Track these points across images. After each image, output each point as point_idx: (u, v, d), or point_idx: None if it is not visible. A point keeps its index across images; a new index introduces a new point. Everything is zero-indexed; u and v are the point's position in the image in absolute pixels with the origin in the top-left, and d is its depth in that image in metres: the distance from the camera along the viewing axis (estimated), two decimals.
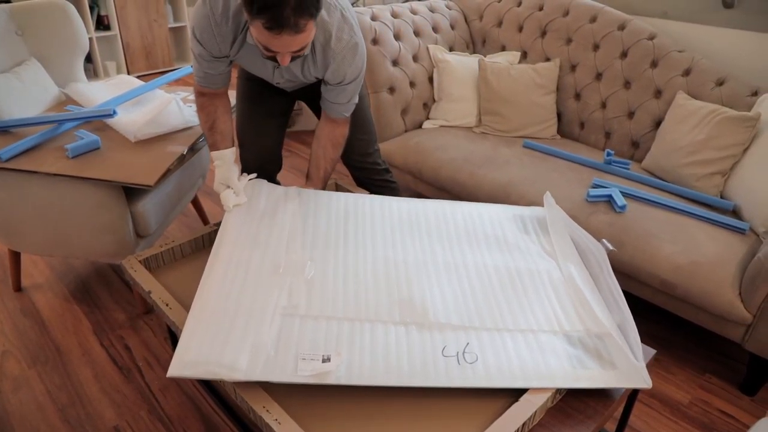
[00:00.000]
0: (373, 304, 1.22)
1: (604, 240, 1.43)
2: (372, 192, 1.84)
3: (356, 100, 1.57)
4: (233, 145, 1.57)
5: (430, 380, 1.06)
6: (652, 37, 2.20)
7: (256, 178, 1.60)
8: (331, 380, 1.03)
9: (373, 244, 1.41)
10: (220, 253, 1.30)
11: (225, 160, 1.52)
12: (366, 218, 1.51)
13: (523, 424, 1.01)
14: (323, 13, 1.34)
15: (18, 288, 2.06)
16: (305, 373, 1.04)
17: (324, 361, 1.07)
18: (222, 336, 1.09)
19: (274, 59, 1.28)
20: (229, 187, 1.49)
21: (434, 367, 1.08)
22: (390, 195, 1.84)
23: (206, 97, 1.54)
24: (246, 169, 1.82)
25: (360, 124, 1.75)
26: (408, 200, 1.62)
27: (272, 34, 1.16)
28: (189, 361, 1.03)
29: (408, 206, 1.59)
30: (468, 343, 1.15)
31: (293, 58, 1.29)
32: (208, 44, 1.39)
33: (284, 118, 1.81)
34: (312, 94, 1.72)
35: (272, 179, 1.88)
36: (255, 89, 1.70)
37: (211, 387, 1.63)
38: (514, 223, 1.57)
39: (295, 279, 1.26)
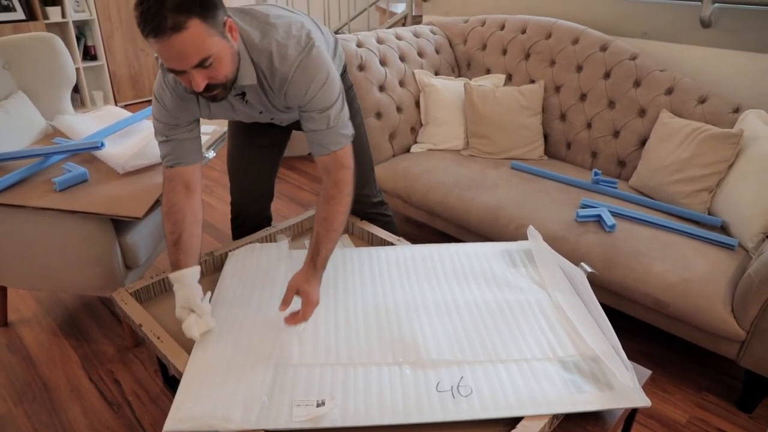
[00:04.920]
0: (365, 348, 1.24)
1: (582, 263, 1.44)
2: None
3: (343, 126, 1.35)
4: (198, 263, 1.37)
5: (425, 416, 1.06)
6: (634, 57, 2.24)
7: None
8: (326, 423, 1.05)
9: (362, 292, 1.43)
10: (214, 313, 1.33)
11: (185, 283, 1.30)
12: (355, 269, 1.53)
13: None
14: (254, 35, 1.25)
15: (4, 323, 2.03)
16: (300, 418, 1.05)
17: (318, 405, 1.08)
18: (215, 390, 1.12)
19: (193, 90, 1.17)
20: (192, 311, 1.28)
21: (429, 403, 1.08)
22: (384, 229, 1.81)
23: (176, 196, 1.39)
24: (237, 203, 1.79)
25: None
26: (395, 248, 1.64)
27: (155, 41, 1.07)
28: (184, 416, 1.06)
29: (395, 253, 1.61)
30: (462, 377, 1.15)
31: (211, 86, 1.17)
32: (173, 110, 1.34)
33: (277, 148, 1.77)
34: None
35: (264, 211, 1.86)
36: (245, 123, 1.69)
37: None
38: (502, 259, 1.58)
39: (288, 332, 1.28)
